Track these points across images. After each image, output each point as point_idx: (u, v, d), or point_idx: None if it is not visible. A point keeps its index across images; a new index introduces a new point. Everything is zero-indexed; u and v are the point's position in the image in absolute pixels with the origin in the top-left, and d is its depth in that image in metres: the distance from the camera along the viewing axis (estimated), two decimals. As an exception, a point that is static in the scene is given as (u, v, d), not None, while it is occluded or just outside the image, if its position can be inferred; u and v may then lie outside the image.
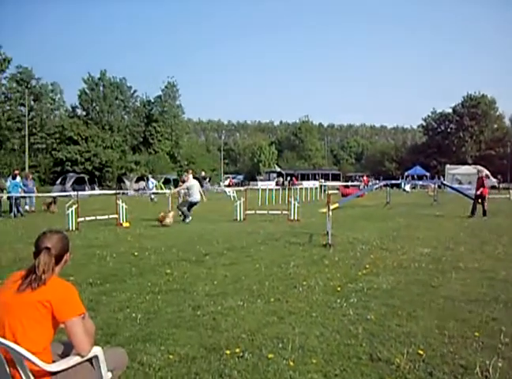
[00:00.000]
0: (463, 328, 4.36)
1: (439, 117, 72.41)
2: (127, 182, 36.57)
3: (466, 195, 21.42)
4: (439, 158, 64.56)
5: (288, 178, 56.81)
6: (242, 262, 7.61)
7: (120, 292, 5.66)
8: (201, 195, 15.05)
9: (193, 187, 14.34)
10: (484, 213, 15.98)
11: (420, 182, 43.16)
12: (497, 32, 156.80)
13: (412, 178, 51.38)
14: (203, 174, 38.36)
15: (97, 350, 2.34)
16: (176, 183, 35.01)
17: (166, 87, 62.94)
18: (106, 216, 13.98)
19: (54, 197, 20.06)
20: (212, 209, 19.92)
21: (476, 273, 6.76)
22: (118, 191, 20.39)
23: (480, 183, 16.51)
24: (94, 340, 2.49)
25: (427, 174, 53.20)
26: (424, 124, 74.67)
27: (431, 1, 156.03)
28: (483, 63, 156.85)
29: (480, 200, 16.24)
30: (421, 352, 3.73)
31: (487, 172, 48.19)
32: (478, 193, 16.38)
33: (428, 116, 73.92)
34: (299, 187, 29.96)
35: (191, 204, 14.38)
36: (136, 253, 8.42)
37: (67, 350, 2.53)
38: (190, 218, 14.19)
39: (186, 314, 4.77)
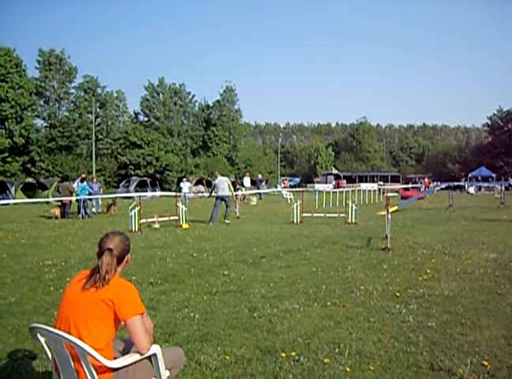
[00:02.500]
0: (533, 339, 4.10)
1: (506, 115, 68.40)
2: (190, 185, 37.51)
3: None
4: (506, 158, 61.00)
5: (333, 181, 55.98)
6: (298, 265, 7.59)
7: (179, 292, 5.82)
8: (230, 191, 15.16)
9: (218, 184, 14.87)
10: None
11: (486, 184, 41.02)
12: None
13: (477, 179, 48.92)
14: (260, 176, 38.74)
15: (156, 349, 2.43)
16: (234, 186, 35.42)
17: (224, 91, 64.05)
18: (166, 218, 14.41)
19: (114, 199, 20.85)
20: (269, 211, 20.03)
21: (548, 281, 6.35)
22: (178, 193, 20.92)
23: None
24: (153, 338, 2.58)
25: (493, 175, 50.42)
26: (490, 123, 70.88)
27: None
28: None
29: None
30: (486, 363, 3.55)
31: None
32: None
33: (494, 114, 69.99)
34: (345, 189, 29.18)
35: (221, 200, 14.78)
36: (194, 254, 8.61)
37: (128, 347, 2.63)
38: (211, 224, 14.30)
39: (243, 316, 4.83)
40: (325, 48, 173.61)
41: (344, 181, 55.67)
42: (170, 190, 41.15)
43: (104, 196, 22.98)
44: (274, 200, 30.58)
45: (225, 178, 15.24)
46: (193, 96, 63.82)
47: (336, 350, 3.85)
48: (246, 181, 31.33)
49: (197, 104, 64.74)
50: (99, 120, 54.82)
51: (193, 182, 38.03)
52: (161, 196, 31.42)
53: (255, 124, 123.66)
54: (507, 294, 5.66)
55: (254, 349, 3.90)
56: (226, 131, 62.77)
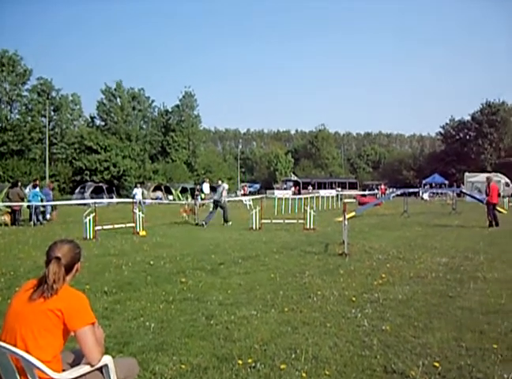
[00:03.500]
0: (481, 339, 4.26)
1: (458, 124, 71.51)
2: (145, 191, 36.84)
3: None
4: (458, 166, 63.61)
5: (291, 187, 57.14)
6: (256, 271, 7.59)
7: (134, 301, 5.69)
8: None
9: (217, 189, 17.75)
10: (490, 223, 15.33)
11: (439, 191, 42.60)
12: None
13: (431, 186, 50.74)
14: (219, 183, 38.44)
15: (107, 360, 2.35)
16: (193, 192, 35.16)
17: (183, 96, 63.61)
18: (123, 225, 14.11)
19: (54, 206, 19.98)
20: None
21: (495, 283, 6.63)
22: (133, 200, 20.50)
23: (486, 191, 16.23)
24: (104, 349, 2.50)
25: (446, 182, 52.48)
26: (442, 131, 73.83)
27: (449, 6, 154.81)
28: (502, 70, 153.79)
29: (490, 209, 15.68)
30: (437, 364, 3.66)
31: (507, 180, 47.54)
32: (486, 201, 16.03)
33: (446, 124, 73.06)
34: (303, 196, 29.51)
35: (214, 203, 17.12)
36: (151, 262, 8.46)
37: (78, 358, 2.54)
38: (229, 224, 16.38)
39: (200, 324, 4.76)
40: (284, 55, 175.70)
41: (310, 187, 56.26)
42: (127, 197, 40.36)
43: (60, 202, 22.27)
44: (234, 206, 30.51)
45: (222, 186, 17.45)
46: (153, 101, 63.15)
47: (293, 355, 3.86)
48: (206, 187, 31.12)
49: (156, 109, 64.08)
50: (53, 124, 53.14)
51: (151, 188, 37.46)
52: (118, 202, 30.71)
53: (215, 130, 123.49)
54: (458, 297, 5.86)
55: (210, 357, 3.85)
56: (185, 137, 62.28)
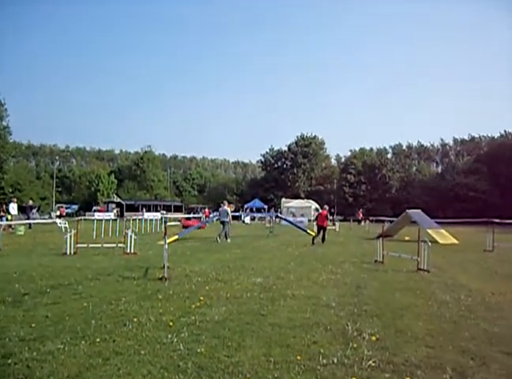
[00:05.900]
0: (287, 353, 4.60)
1: (276, 153, 78.04)
2: None
3: (298, 227, 23.42)
4: (276, 192, 69.20)
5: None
6: (67, 301, 6.95)
7: None
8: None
9: (220, 212, 20.37)
10: (323, 239, 18.79)
11: (259, 215, 45.57)
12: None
13: (251, 210, 54.03)
14: (30, 203, 34.61)
15: None
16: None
17: (-10, 105, 56.33)
18: None
19: None
20: (39, 242, 18.12)
21: (302, 300, 7.26)
22: None
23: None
24: None
25: (265, 206, 56.53)
26: (263, 160, 79.64)
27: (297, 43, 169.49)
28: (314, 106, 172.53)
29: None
30: (247, 381, 3.81)
31: (317, 205, 53.50)
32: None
33: (266, 152, 79.13)
34: (125, 218, 28.70)
35: (221, 223, 19.97)
36: None
37: None
38: (229, 240, 19.23)
39: (-7, 365, 4.15)
40: (111, 72, 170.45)
41: (144, 210, 54.63)
42: None
43: None
44: (46, 229, 27.87)
45: (227, 209, 20.23)
46: None
47: (102, 389, 3.61)
48: (13, 207, 27.76)
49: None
50: None
51: None
52: None
53: (28, 144, 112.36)
54: (269, 314, 6.25)
55: (3, 403, 3.36)
56: (-10, 150, 55.00)
